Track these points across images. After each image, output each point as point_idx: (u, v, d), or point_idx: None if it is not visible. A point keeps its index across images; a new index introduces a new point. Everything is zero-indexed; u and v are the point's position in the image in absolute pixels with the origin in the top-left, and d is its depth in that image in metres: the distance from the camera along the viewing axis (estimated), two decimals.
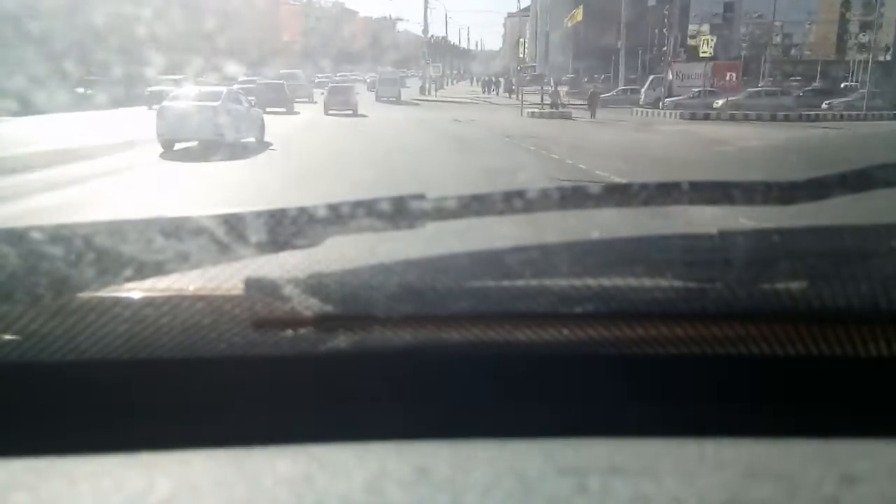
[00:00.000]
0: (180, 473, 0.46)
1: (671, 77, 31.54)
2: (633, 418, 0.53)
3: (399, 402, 0.57)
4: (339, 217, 0.56)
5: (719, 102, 27.44)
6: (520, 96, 29.65)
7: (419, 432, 0.51)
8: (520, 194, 0.58)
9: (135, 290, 0.56)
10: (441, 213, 0.57)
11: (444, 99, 38.93)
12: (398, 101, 33.91)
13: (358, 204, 0.56)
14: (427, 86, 44.52)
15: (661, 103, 28.84)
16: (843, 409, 0.55)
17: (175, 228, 0.55)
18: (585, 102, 28.51)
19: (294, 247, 0.57)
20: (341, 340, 0.56)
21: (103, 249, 0.54)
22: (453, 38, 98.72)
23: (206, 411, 0.56)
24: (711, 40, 27.86)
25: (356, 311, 0.55)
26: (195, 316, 0.55)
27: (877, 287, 0.53)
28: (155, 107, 13.01)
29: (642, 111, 29.24)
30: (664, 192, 0.61)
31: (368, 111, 24.93)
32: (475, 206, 0.58)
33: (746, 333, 0.55)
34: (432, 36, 61.60)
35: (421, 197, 0.57)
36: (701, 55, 28.15)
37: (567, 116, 24.98)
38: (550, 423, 0.51)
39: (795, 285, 0.54)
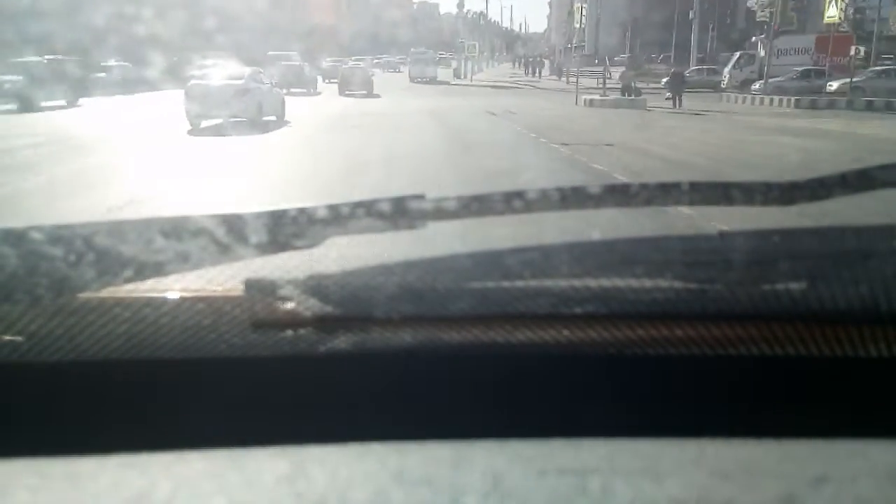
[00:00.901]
0: (180, 473, 0.46)
1: (763, 53, 25.00)
2: (633, 418, 0.53)
3: (399, 402, 0.57)
4: (338, 218, 0.56)
5: (834, 85, 21.92)
6: (571, 79, 26.59)
7: (419, 433, 0.50)
8: (520, 195, 0.58)
9: (135, 291, 0.56)
10: (441, 213, 0.57)
11: (481, 83, 34.31)
12: (432, 81, 33.77)
13: (358, 204, 0.56)
14: (462, 68, 40.15)
15: (753, 86, 23.07)
16: (843, 410, 0.55)
17: (175, 229, 0.55)
18: (657, 87, 22.89)
19: (294, 247, 0.56)
20: (341, 341, 0.56)
21: (103, 249, 0.54)
22: (494, 17, 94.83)
23: (206, 412, 0.56)
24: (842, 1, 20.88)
25: (356, 311, 0.54)
26: (195, 316, 0.55)
27: (877, 288, 0.53)
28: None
29: (737, 97, 23.35)
30: (664, 193, 0.60)
31: (391, 94, 24.48)
32: (475, 206, 0.58)
33: (746, 334, 0.54)
34: (468, 11, 56.96)
35: (421, 197, 0.57)
36: (826, 20, 21.56)
37: (640, 106, 19.21)
38: (550, 423, 0.51)
39: (796, 286, 0.54)
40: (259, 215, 0.56)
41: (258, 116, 13.04)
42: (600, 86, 23.07)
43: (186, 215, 0.56)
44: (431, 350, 0.56)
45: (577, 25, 28.55)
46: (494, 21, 71.33)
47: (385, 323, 0.55)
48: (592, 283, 0.54)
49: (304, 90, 24.99)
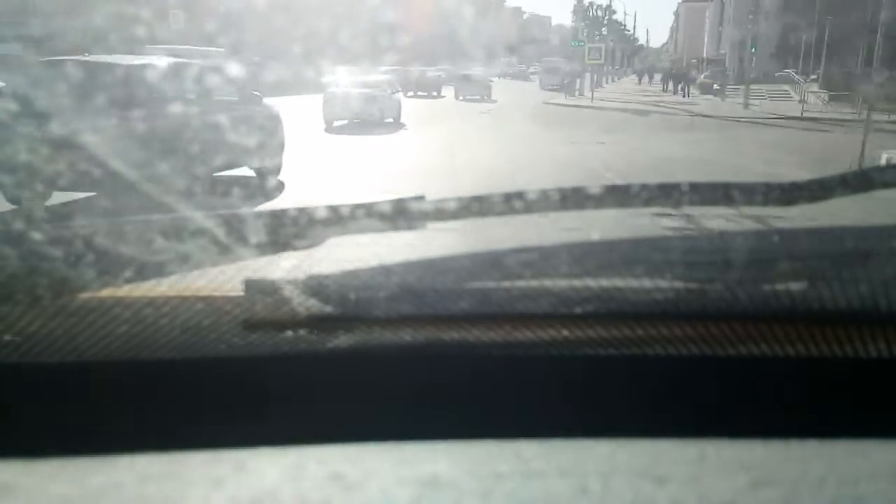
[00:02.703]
0: (180, 473, 0.46)
1: None
2: (634, 418, 0.53)
3: (399, 402, 0.57)
4: (338, 218, 0.56)
5: None
6: (729, 98, 24.48)
7: (419, 433, 0.50)
8: (519, 195, 0.58)
9: (135, 291, 0.56)
10: (441, 213, 0.57)
11: (608, 102, 25.17)
12: (563, 88, 31.62)
13: (358, 205, 0.56)
14: (578, 82, 30.13)
15: None
16: (843, 409, 0.55)
17: (175, 229, 0.55)
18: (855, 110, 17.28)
19: (294, 248, 0.57)
20: (341, 341, 0.56)
21: (103, 249, 0.54)
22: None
23: (206, 412, 0.56)
24: None
25: (356, 312, 0.54)
26: (195, 317, 0.55)
27: (877, 288, 0.53)
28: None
29: None
30: (664, 193, 0.60)
31: (509, 101, 25.97)
32: (475, 207, 0.58)
33: (747, 334, 0.54)
34: (590, 4, 45.54)
35: (421, 198, 0.57)
36: None
37: None
38: (550, 423, 0.51)
39: (796, 286, 0.54)
40: (259, 215, 0.56)
41: (380, 118, 15.59)
42: (816, 110, 18.88)
43: (187, 215, 0.56)
44: (431, 350, 0.56)
45: (752, 50, 26.26)
46: (619, 24, 61.08)
47: (385, 323, 0.55)
48: (592, 283, 0.54)
49: (427, 94, 29.01)
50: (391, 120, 16.26)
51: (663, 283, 0.55)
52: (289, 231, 0.56)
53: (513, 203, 0.58)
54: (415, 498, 0.42)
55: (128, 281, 0.54)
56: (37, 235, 0.54)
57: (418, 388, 0.58)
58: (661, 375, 0.58)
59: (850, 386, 0.57)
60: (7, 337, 0.54)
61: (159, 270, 0.55)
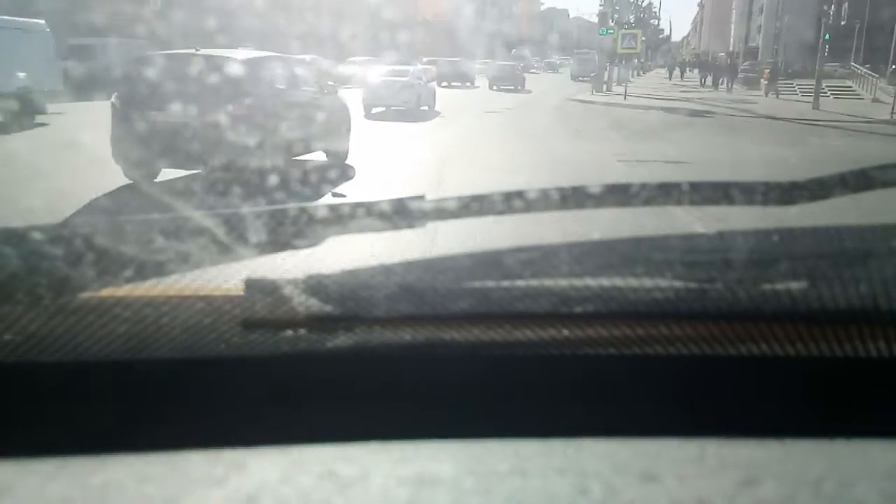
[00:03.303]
0: (181, 473, 0.46)
1: None
2: (633, 418, 0.53)
3: (399, 402, 0.57)
4: (338, 217, 0.56)
5: None
6: (783, 95, 22.14)
7: (419, 432, 0.50)
8: (519, 194, 0.58)
9: (135, 290, 0.56)
10: (441, 213, 0.57)
11: (644, 98, 22.18)
12: (590, 79, 29.29)
13: (358, 204, 0.56)
14: (605, 74, 26.24)
15: None
16: (842, 409, 0.55)
17: (175, 228, 0.55)
18: None
19: (294, 247, 0.56)
20: (341, 340, 0.55)
21: (103, 249, 0.54)
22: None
23: (206, 412, 0.56)
24: None
25: (356, 311, 0.54)
26: (195, 316, 0.55)
27: (877, 288, 0.53)
28: (347, 86, 17.53)
29: None
30: (664, 193, 0.60)
31: (543, 91, 26.12)
32: (475, 206, 0.58)
33: (747, 334, 0.54)
34: None
35: (421, 197, 0.57)
36: None
37: None
38: (550, 423, 0.51)
39: (796, 285, 0.54)
40: (259, 214, 0.56)
41: (416, 106, 16.49)
42: None
43: (186, 214, 0.55)
44: (431, 350, 0.56)
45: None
46: (649, 10, 53.82)
47: (385, 322, 0.55)
48: (592, 282, 0.54)
49: (461, 84, 29.77)
50: (426, 108, 17.16)
51: (663, 283, 0.54)
52: (289, 230, 0.56)
53: (513, 202, 0.58)
54: (415, 497, 0.42)
55: (128, 280, 0.54)
56: (37, 235, 0.54)
57: (418, 387, 0.58)
58: (661, 375, 0.58)
59: (849, 385, 0.57)
60: (7, 337, 0.53)
61: (159, 270, 0.54)
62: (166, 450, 0.48)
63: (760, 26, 56.84)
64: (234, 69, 6.41)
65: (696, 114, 17.53)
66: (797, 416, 0.53)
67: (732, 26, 75.84)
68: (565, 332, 0.55)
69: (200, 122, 5.91)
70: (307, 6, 32.35)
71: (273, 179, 5.86)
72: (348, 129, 8.43)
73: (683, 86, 31.90)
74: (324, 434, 0.50)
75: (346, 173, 7.67)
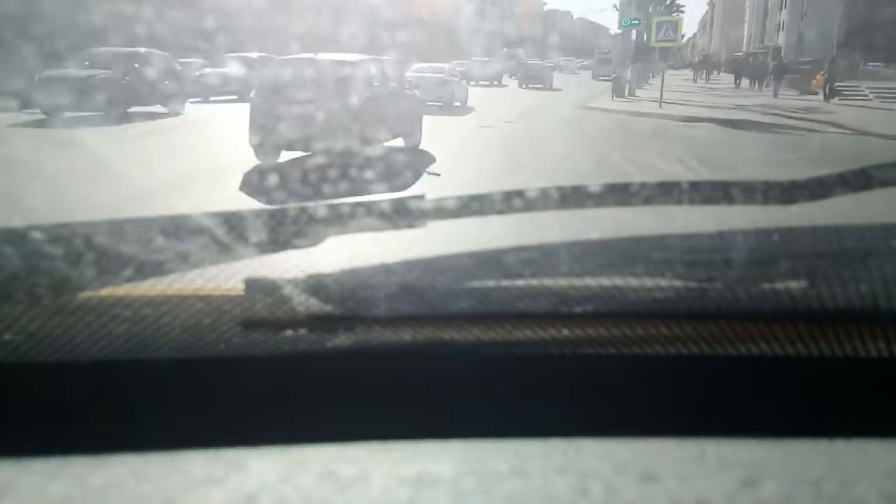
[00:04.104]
0: (180, 473, 0.46)
1: None
2: (633, 417, 0.53)
3: (399, 402, 0.57)
4: (338, 217, 0.56)
5: None
6: (846, 98, 18.04)
7: (419, 432, 0.50)
8: (519, 194, 0.58)
9: (135, 290, 0.56)
10: (441, 212, 0.57)
11: (682, 105, 17.08)
12: (610, 80, 30.05)
13: (358, 204, 0.56)
14: (628, 76, 21.35)
15: None
16: (842, 409, 0.54)
17: (175, 228, 0.55)
18: None
19: (294, 246, 0.56)
20: (341, 340, 0.55)
21: (103, 249, 0.54)
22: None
23: (206, 411, 0.56)
24: None
25: (356, 311, 0.54)
26: (195, 316, 0.55)
27: (877, 288, 0.53)
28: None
29: None
30: (664, 192, 0.60)
31: (571, 90, 26.01)
32: (475, 205, 0.58)
33: (747, 333, 0.54)
34: None
35: (420, 197, 0.57)
36: None
37: None
38: (550, 423, 0.51)
39: (796, 285, 0.54)
40: (259, 214, 0.56)
41: (451, 102, 17.54)
42: None
43: (187, 214, 0.55)
44: (431, 349, 0.56)
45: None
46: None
47: (385, 322, 0.55)
48: (592, 282, 0.54)
49: (489, 82, 30.50)
50: (459, 104, 18.27)
51: (663, 282, 0.54)
52: (289, 230, 0.55)
53: (513, 201, 0.58)
54: (415, 497, 0.42)
55: (128, 280, 0.54)
56: (37, 235, 0.54)
57: (418, 387, 0.58)
58: (661, 374, 0.57)
59: (849, 385, 0.57)
60: (7, 336, 0.53)
61: (159, 269, 0.54)
62: (166, 450, 0.47)
63: (780, 24, 55.38)
64: (345, 70, 8.09)
65: (769, 129, 12.74)
66: (797, 416, 0.53)
67: (746, 25, 74.53)
68: (565, 331, 0.55)
69: (319, 113, 7.31)
70: (302, 5, 32.70)
71: (373, 160, 7.39)
72: (421, 119, 9.91)
73: (717, 89, 27.62)
74: (324, 434, 0.50)
75: (425, 156, 9.08)
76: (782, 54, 34.32)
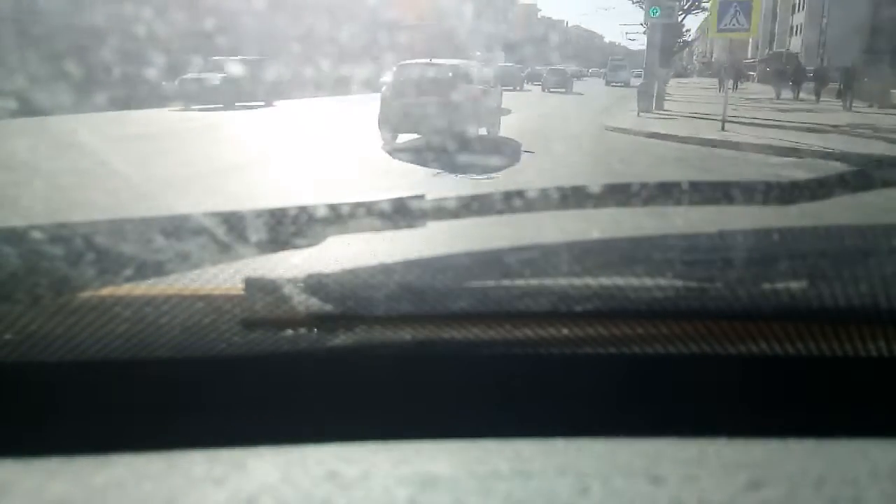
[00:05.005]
0: (181, 473, 0.46)
1: None
2: (633, 418, 0.53)
3: (399, 401, 0.57)
4: (339, 216, 0.56)
5: None
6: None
7: (419, 432, 0.50)
8: (519, 194, 0.58)
9: (135, 290, 0.56)
10: (441, 212, 0.57)
11: (743, 126, 11.83)
12: (628, 85, 32.75)
13: (358, 203, 0.56)
14: (655, 86, 16.51)
15: None
16: (843, 409, 0.54)
17: (175, 228, 0.55)
18: None
19: (294, 246, 0.56)
20: (341, 340, 0.55)
21: (103, 249, 0.54)
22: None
23: (206, 411, 0.56)
24: None
25: (356, 310, 0.54)
26: (195, 315, 0.55)
27: (877, 288, 0.53)
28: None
29: None
30: (664, 192, 0.60)
31: (590, 93, 27.89)
32: (475, 205, 0.58)
33: (746, 333, 0.54)
34: None
35: (421, 197, 0.57)
36: None
37: None
38: (550, 423, 0.51)
39: (795, 285, 0.54)
40: (259, 213, 0.56)
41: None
42: None
43: (186, 214, 0.55)
44: (431, 349, 0.56)
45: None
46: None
47: (385, 322, 0.55)
48: (592, 281, 0.54)
49: (512, 87, 31.27)
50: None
51: (663, 282, 0.54)
52: (289, 229, 0.55)
53: (513, 201, 0.58)
54: (414, 497, 0.42)
55: (128, 279, 0.54)
56: (37, 235, 0.54)
57: (418, 386, 0.58)
58: (661, 374, 0.57)
59: (849, 385, 0.57)
60: (7, 336, 0.53)
61: (159, 269, 0.54)
62: (166, 449, 0.47)
63: (793, 27, 53.06)
64: (451, 72, 10.16)
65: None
66: (797, 416, 0.53)
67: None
68: (565, 330, 0.55)
69: (434, 105, 9.32)
70: (291, 9, 32.71)
71: (475, 141, 9.51)
72: (500, 114, 12.05)
73: (758, 100, 22.75)
74: (324, 434, 0.50)
75: (506, 139, 10.90)
76: (800, 59, 31.04)
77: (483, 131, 10.57)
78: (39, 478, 0.45)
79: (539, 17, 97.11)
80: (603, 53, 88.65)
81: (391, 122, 9.71)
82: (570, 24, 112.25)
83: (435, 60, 10.75)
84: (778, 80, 25.56)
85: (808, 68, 27.42)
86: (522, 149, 9.90)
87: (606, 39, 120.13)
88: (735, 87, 29.20)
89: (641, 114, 15.13)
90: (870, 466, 0.44)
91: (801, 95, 24.08)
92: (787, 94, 24.38)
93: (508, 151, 9.50)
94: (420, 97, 9.54)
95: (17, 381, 0.56)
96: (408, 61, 11.08)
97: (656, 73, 17.10)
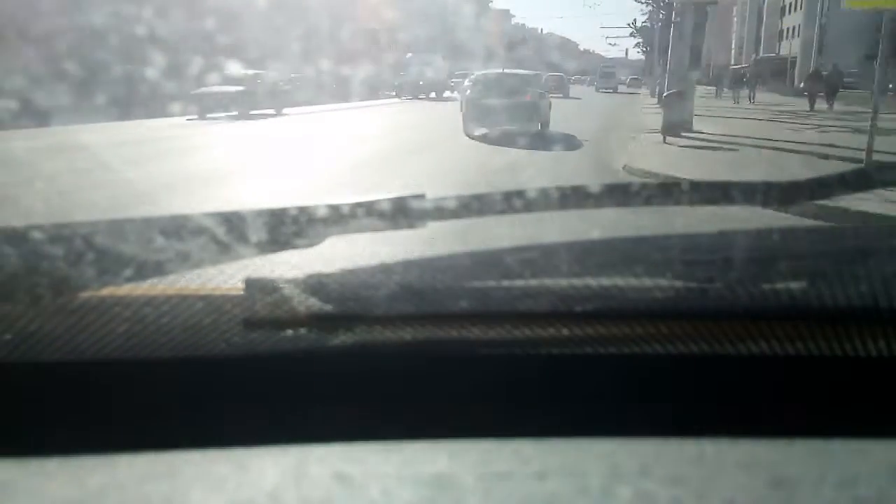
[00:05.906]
0: (181, 473, 0.46)
1: None
2: (633, 418, 0.53)
3: (399, 401, 0.57)
4: (339, 217, 0.56)
5: None
6: None
7: (420, 432, 0.50)
8: (519, 194, 0.58)
9: (135, 290, 0.56)
10: (441, 212, 0.57)
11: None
12: (616, 91, 37.34)
13: (358, 204, 0.56)
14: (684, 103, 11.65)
15: None
16: (843, 409, 0.54)
17: (175, 228, 0.55)
18: None
19: (294, 246, 0.56)
20: (341, 340, 0.55)
21: (103, 249, 0.54)
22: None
23: (206, 411, 0.56)
24: None
25: (356, 310, 0.54)
26: (195, 316, 0.55)
27: (877, 288, 0.53)
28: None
29: None
30: (664, 192, 0.60)
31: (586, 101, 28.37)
32: (475, 205, 0.58)
33: (747, 333, 0.54)
34: None
35: (421, 197, 0.57)
36: None
37: None
38: (550, 423, 0.51)
39: (796, 285, 0.54)
40: (259, 213, 0.56)
41: None
42: None
43: (186, 214, 0.55)
44: (431, 349, 0.56)
45: None
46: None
47: (385, 322, 0.55)
48: (592, 281, 0.54)
49: (559, 95, 33.25)
50: None
51: (663, 282, 0.54)
52: (289, 229, 0.55)
53: (513, 201, 0.58)
54: (415, 497, 0.42)
55: (128, 280, 0.54)
56: (37, 235, 0.54)
57: (418, 387, 0.58)
58: (661, 374, 0.57)
59: (849, 385, 0.57)
60: (7, 336, 0.53)
61: (160, 269, 0.54)
62: (166, 450, 0.47)
63: (784, 30, 51.38)
64: (519, 79, 13.35)
65: None
66: (797, 416, 0.53)
67: (735, 34, 70.14)
68: (565, 331, 0.55)
69: (508, 105, 12.13)
70: (248, 15, 32.57)
71: (538, 133, 12.28)
72: (549, 109, 14.33)
73: (794, 113, 19.33)
74: (324, 434, 0.50)
75: (554, 131, 13.16)
76: (799, 62, 28.37)
77: (539, 126, 13.25)
78: (39, 478, 0.45)
79: (512, 23, 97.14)
80: (580, 61, 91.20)
81: (476, 117, 12.56)
82: (544, 31, 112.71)
83: (506, 70, 14.81)
84: (813, 88, 22.62)
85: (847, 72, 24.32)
86: (579, 137, 12.31)
87: (581, 47, 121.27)
88: (752, 97, 26.68)
89: (668, 139, 10.41)
90: (870, 466, 0.45)
91: (835, 106, 21.12)
92: (820, 104, 21.44)
93: (568, 139, 12.13)
94: (497, 99, 12.27)
95: (17, 381, 0.56)
96: (483, 71, 14.70)
97: (688, 80, 12.09)
